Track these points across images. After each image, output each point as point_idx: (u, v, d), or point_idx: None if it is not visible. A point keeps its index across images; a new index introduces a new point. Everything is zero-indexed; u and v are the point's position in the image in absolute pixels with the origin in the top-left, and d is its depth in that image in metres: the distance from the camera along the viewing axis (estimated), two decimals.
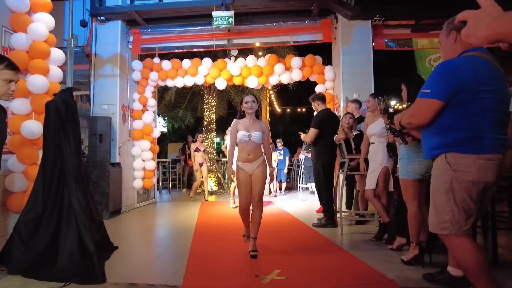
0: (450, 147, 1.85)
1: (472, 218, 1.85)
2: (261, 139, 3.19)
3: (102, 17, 6.08)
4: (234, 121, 3.29)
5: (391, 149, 3.53)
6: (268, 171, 3.25)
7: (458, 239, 1.84)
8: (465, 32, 0.87)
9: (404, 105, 3.14)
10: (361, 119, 4.75)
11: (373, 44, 5.92)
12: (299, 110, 17.55)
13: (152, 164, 6.76)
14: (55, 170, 2.91)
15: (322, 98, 4.87)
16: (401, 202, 3.12)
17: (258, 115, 3.29)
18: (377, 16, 5.69)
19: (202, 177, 7.80)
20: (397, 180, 3.11)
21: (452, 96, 1.81)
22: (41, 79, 3.77)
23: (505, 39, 0.74)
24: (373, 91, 5.37)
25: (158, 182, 7.78)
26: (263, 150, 3.30)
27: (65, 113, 3.03)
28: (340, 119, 4.56)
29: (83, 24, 5.86)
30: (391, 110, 3.14)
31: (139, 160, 6.60)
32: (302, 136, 4.95)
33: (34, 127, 3.69)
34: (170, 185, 10.23)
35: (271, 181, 3.32)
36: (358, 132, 4.42)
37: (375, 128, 3.63)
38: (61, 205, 2.86)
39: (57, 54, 4.05)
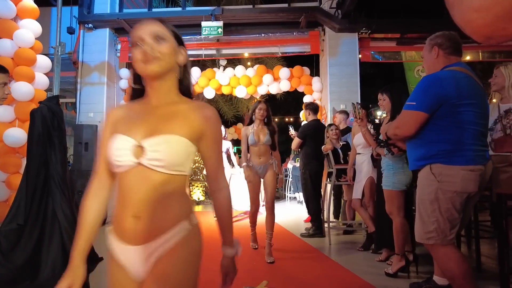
0: (434, 159, 1.90)
1: (457, 227, 1.89)
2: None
3: (90, 25, 6.03)
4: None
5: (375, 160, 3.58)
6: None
7: (444, 248, 1.88)
8: None
9: (383, 115, 3.21)
10: (348, 129, 4.82)
11: (360, 56, 6.05)
12: (287, 119, 17.69)
13: None
14: (39, 180, 2.84)
15: (314, 108, 4.94)
16: (381, 213, 3.14)
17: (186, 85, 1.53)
18: (364, 29, 5.83)
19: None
20: (380, 191, 3.12)
21: (436, 108, 1.87)
22: (26, 86, 3.71)
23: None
24: (359, 102, 5.47)
25: None
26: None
27: (51, 121, 2.97)
28: (325, 130, 4.63)
29: (70, 31, 5.80)
30: (376, 121, 3.19)
31: None
32: (291, 133, 5.25)
33: (17, 135, 3.61)
34: None
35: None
36: (345, 143, 4.50)
37: (361, 138, 3.68)
38: (44, 216, 2.79)
39: (43, 61, 4.00)
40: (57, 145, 2.95)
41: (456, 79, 1.87)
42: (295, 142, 4.76)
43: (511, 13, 0.54)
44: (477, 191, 1.89)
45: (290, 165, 9.42)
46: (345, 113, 5.07)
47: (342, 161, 4.34)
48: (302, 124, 4.96)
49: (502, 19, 0.55)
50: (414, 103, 1.94)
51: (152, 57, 0.98)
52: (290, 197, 9.66)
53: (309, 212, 4.86)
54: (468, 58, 6.36)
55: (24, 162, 3.14)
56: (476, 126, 1.87)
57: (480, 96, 1.92)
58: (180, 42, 1.08)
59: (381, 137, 2.79)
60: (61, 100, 6.31)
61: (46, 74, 4.08)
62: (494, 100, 2.85)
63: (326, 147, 4.35)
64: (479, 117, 1.88)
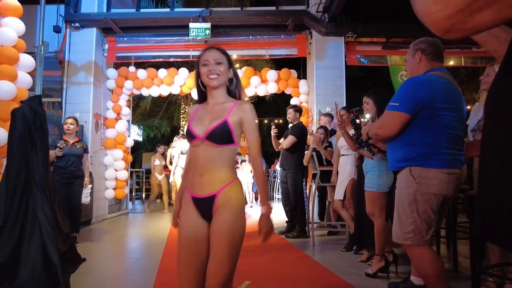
0: (414, 161, 1.95)
1: (433, 228, 1.95)
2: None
3: (77, 24, 5.97)
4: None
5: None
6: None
7: (420, 249, 1.92)
8: None
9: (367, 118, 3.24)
10: (333, 132, 4.88)
11: (346, 59, 6.14)
12: (276, 121, 17.75)
13: (124, 174, 6.61)
14: (19, 180, 2.80)
15: (301, 110, 5.01)
16: (361, 214, 3.19)
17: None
18: (350, 33, 5.92)
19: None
20: (360, 193, 3.16)
21: (417, 110, 1.92)
22: (7, 85, 3.65)
23: None
24: (345, 105, 5.55)
25: (131, 192, 7.58)
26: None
27: (33, 121, 2.93)
28: (315, 132, 4.68)
29: (57, 30, 5.73)
30: (358, 121, 3.24)
31: (111, 170, 6.44)
32: (274, 131, 4.83)
33: None
34: (144, 196, 10.00)
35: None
36: (327, 144, 4.57)
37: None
38: (24, 217, 2.75)
39: (26, 60, 3.95)
40: (39, 145, 2.92)
41: (438, 83, 1.93)
42: (290, 141, 4.60)
43: (471, 6, 0.54)
44: (453, 194, 1.96)
45: (279, 166, 9.45)
46: (330, 115, 5.13)
47: (325, 163, 4.41)
48: (294, 125, 4.93)
49: (462, 12, 0.54)
50: (397, 104, 1.98)
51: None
52: (278, 198, 9.69)
53: (295, 214, 4.89)
54: (451, 63, 6.51)
55: (4, 162, 3.09)
56: (454, 130, 1.93)
57: (459, 102, 1.98)
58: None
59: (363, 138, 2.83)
60: (47, 100, 6.25)
61: (30, 73, 4.02)
62: (481, 100, 2.82)
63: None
64: (457, 121, 1.94)
